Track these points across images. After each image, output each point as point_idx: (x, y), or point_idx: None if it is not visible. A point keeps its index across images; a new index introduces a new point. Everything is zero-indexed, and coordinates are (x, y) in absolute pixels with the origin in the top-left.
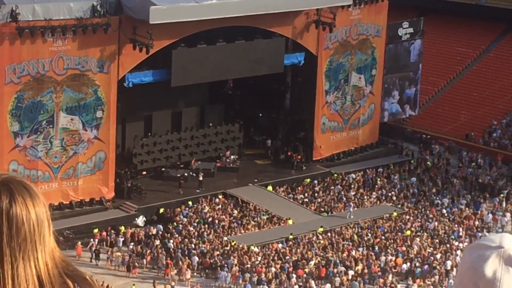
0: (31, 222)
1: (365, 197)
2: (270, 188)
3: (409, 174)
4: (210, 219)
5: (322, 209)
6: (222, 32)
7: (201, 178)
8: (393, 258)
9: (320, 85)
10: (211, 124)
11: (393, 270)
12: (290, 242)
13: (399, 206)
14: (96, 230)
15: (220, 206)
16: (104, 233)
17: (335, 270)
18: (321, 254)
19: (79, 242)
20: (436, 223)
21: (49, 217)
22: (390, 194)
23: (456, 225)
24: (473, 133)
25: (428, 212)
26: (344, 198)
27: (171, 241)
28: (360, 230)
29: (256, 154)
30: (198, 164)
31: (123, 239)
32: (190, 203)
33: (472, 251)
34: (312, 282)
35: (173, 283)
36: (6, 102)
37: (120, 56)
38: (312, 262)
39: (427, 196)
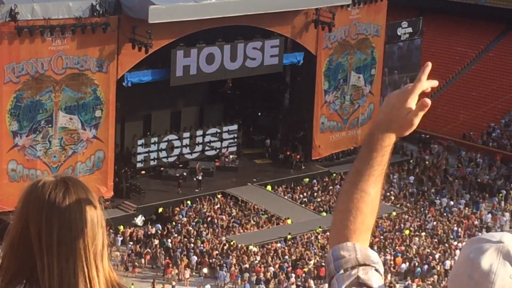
0: (84, 221)
1: None
2: (269, 187)
3: (407, 174)
4: (209, 219)
5: (321, 209)
6: (221, 31)
7: (200, 178)
8: (392, 258)
9: (319, 85)
10: (210, 124)
11: (392, 269)
12: (289, 242)
13: (398, 206)
14: None
15: (218, 206)
16: None
17: None
18: (320, 253)
19: None
20: (435, 222)
21: (104, 231)
22: (389, 193)
23: (455, 225)
24: (471, 133)
25: (427, 211)
26: None
27: (169, 240)
28: None
29: (255, 153)
30: (202, 168)
31: (121, 238)
32: (189, 202)
33: (471, 244)
34: (311, 282)
35: (173, 283)
36: (5, 101)
37: (119, 56)
38: (311, 262)
39: (426, 195)
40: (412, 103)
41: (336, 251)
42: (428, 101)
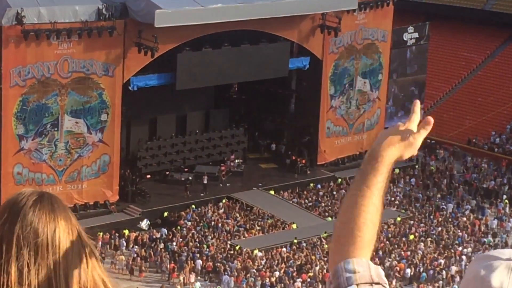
0: (51, 232)
1: None
2: (272, 192)
3: (409, 179)
4: (214, 223)
5: (326, 214)
6: (227, 36)
7: (205, 182)
8: (397, 263)
9: (325, 90)
10: (215, 128)
11: (397, 275)
12: (294, 247)
13: (404, 211)
14: (100, 234)
15: (222, 210)
16: (107, 236)
17: None
18: (325, 258)
19: None
20: (440, 228)
21: (83, 243)
22: (393, 199)
23: (460, 231)
24: (475, 139)
25: (432, 217)
26: None
27: (174, 243)
28: None
29: (261, 158)
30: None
31: (126, 242)
32: (193, 206)
33: (481, 261)
34: (317, 287)
35: (179, 287)
36: (11, 105)
37: (125, 60)
38: (317, 268)
39: (432, 201)
40: (412, 125)
41: (350, 264)
42: (431, 119)
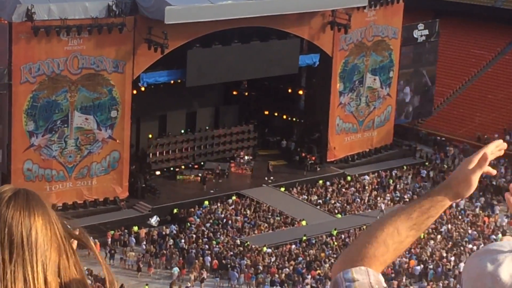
0: (19, 233)
1: (379, 198)
2: (282, 189)
3: (417, 175)
4: (224, 220)
5: (336, 211)
6: (237, 32)
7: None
8: (407, 260)
9: (334, 87)
10: (225, 125)
11: (407, 271)
12: (304, 244)
13: None
14: (111, 231)
15: (233, 207)
16: (117, 233)
17: None
18: (335, 255)
19: (96, 241)
20: (450, 225)
21: (45, 234)
22: (404, 196)
23: (469, 228)
24: (486, 135)
25: (442, 214)
26: (359, 200)
27: (182, 240)
28: None
29: (270, 154)
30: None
31: (135, 239)
32: (206, 203)
33: (482, 256)
34: (326, 284)
35: (188, 284)
36: (21, 101)
37: (135, 56)
38: (326, 265)
39: None
40: (475, 161)
41: (348, 273)
42: (487, 155)
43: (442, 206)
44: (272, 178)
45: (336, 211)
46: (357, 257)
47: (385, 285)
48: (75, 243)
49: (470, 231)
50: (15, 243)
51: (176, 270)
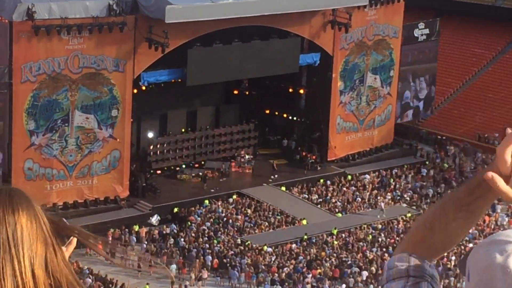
0: (11, 226)
1: (379, 197)
2: (283, 188)
3: (417, 174)
4: (224, 219)
5: (337, 210)
6: (237, 31)
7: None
8: None
9: (335, 86)
10: (226, 124)
11: None
12: (304, 243)
13: (414, 207)
14: (111, 230)
15: (234, 206)
16: (117, 232)
17: (349, 271)
18: (335, 254)
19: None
20: None
21: (32, 231)
22: (405, 195)
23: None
24: (486, 134)
25: None
26: (359, 199)
27: (183, 239)
28: (374, 231)
29: (271, 154)
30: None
31: (136, 238)
32: (207, 202)
33: (490, 247)
34: (327, 283)
35: (187, 282)
36: (22, 100)
37: (136, 55)
38: (327, 264)
39: (442, 197)
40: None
41: (392, 261)
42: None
43: (489, 195)
44: (276, 176)
45: (337, 210)
46: (405, 243)
47: (430, 272)
48: (74, 240)
49: (470, 230)
50: (1, 241)
51: (173, 267)
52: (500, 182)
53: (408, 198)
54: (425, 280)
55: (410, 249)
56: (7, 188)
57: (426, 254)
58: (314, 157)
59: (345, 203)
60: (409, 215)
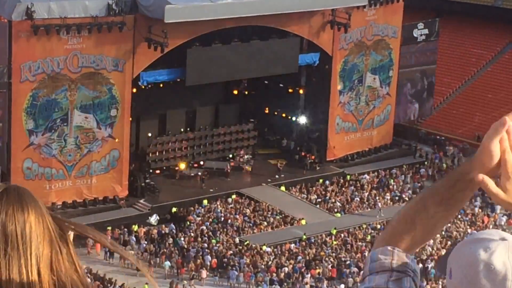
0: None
1: (378, 197)
2: (283, 188)
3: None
4: (223, 219)
5: (336, 210)
6: (237, 31)
7: (204, 177)
8: None
9: (334, 86)
10: (225, 124)
11: None
12: (303, 242)
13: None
14: (109, 228)
15: (232, 205)
16: (116, 232)
17: (348, 271)
18: (334, 254)
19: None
20: (449, 224)
21: (39, 230)
22: (403, 195)
23: (469, 227)
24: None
25: None
26: (358, 199)
27: (182, 239)
28: (373, 231)
29: (270, 154)
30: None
31: (135, 238)
32: (206, 202)
33: (474, 244)
34: (325, 283)
35: (185, 282)
36: (21, 100)
37: (135, 55)
38: (326, 264)
39: None
40: (494, 127)
41: (375, 253)
42: (506, 120)
43: (470, 179)
44: (277, 176)
45: (336, 210)
46: (387, 236)
47: (413, 267)
48: (71, 236)
49: (469, 231)
50: (10, 238)
51: (167, 264)
52: (491, 184)
53: (407, 198)
54: (407, 275)
55: (392, 243)
56: (16, 186)
57: (406, 247)
58: (313, 157)
59: (344, 203)
60: None
